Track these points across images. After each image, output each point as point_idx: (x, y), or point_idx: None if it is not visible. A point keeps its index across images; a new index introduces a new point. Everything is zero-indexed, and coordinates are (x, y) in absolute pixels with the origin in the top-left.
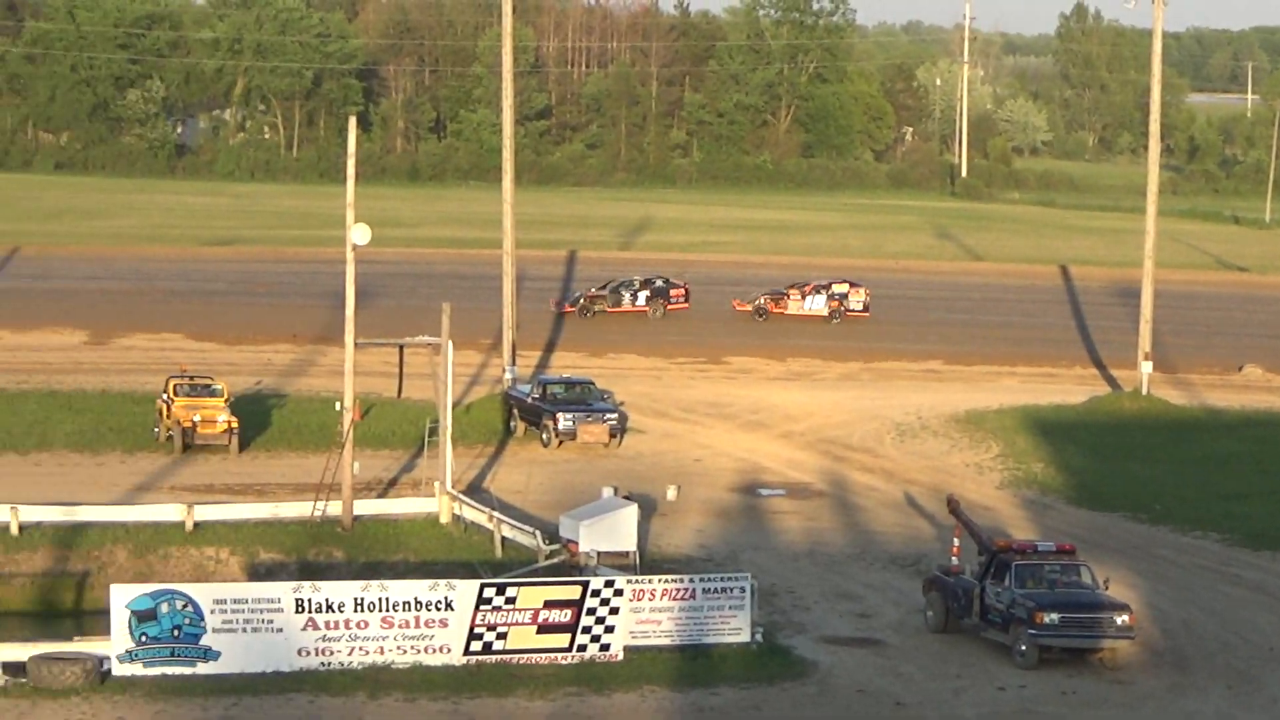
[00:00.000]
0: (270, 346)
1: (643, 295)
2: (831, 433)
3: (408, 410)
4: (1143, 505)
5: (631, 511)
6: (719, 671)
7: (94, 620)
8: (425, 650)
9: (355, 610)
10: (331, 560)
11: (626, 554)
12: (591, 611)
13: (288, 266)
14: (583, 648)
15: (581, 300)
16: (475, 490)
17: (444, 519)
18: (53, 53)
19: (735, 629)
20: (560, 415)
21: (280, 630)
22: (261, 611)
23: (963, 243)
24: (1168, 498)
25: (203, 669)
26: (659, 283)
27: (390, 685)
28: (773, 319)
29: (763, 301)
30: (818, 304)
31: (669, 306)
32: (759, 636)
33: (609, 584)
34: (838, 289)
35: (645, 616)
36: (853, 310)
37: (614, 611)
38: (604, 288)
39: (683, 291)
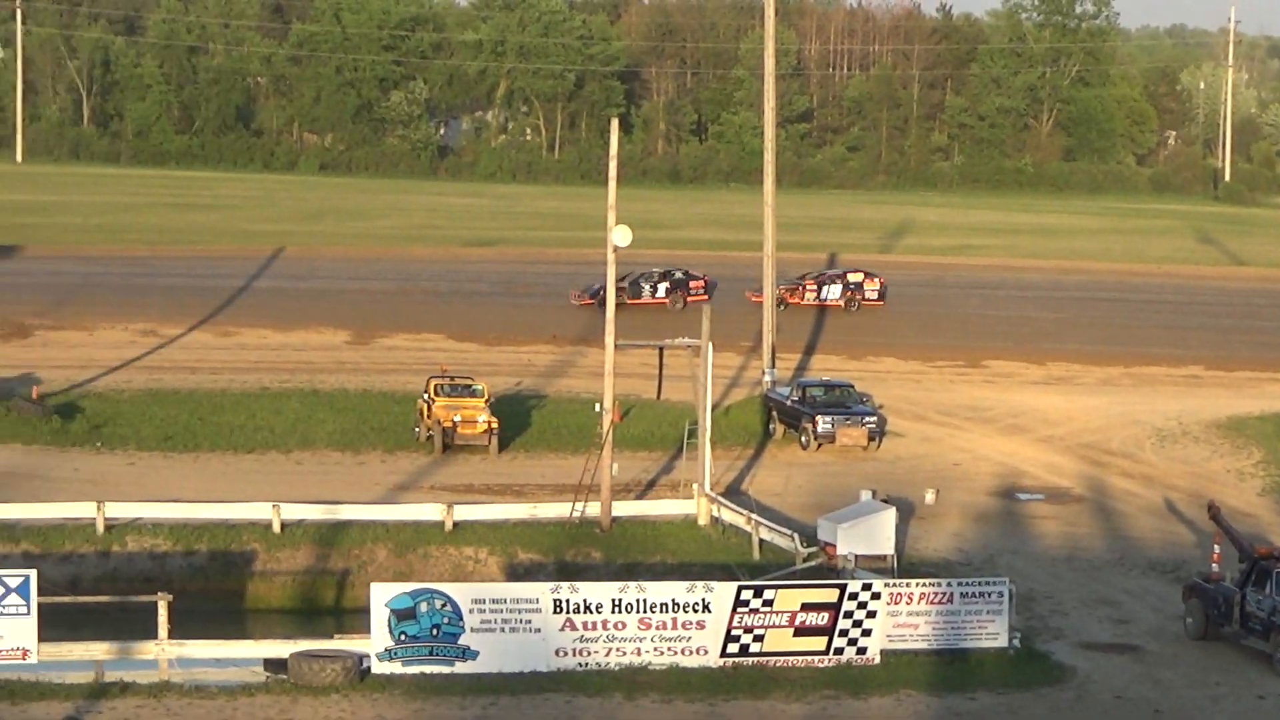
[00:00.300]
0: (530, 347)
1: (662, 287)
2: (1090, 438)
3: (667, 412)
4: None
5: (890, 515)
6: (976, 676)
7: (354, 618)
8: (682, 652)
9: (613, 611)
10: (589, 561)
11: (884, 557)
12: (849, 615)
13: (549, 267)
14: (839, 651)
15: (601, 292)
16: (733, 492)
17: (702, 521)
18: (318, 54)
19: (993, 634)
20: (819, 418)
21: (538, 630)
22: (520, 611)
23: (1225, 248)
24: None
25: (461, 668)
26: (678, 274)
27: (647, 686)
28: (790, 309)
29: (780, 292)
30: (834, 293)
31: (689, 298)
32: (1016, 641)
33: (866, 587)
34: (853, 278)
35: (902, 620)
36: (868, 299)
37: (871, 615)
38: (623, 279)
39: (702, 283)
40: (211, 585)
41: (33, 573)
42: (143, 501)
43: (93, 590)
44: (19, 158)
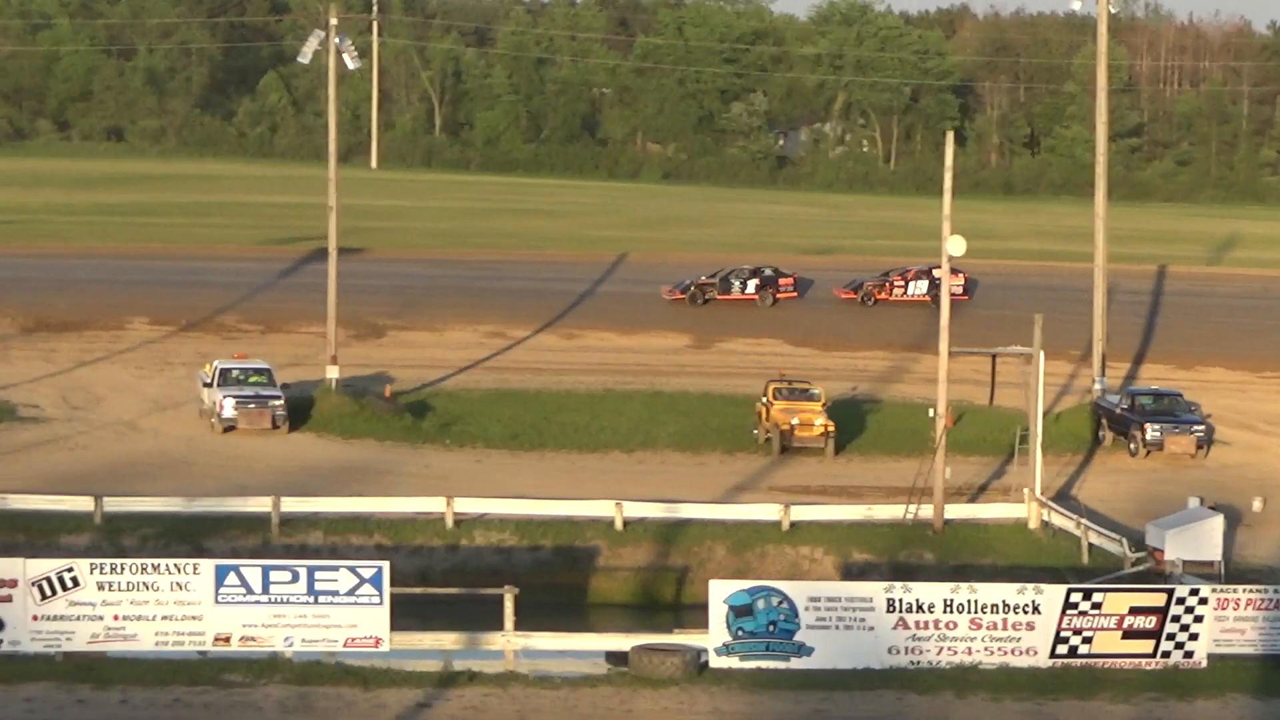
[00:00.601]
0: (865, 353)
1: (752, 283)
2: None
3: (998, 418)
4: None
5: (1217, 521)
6: None
7: (692, 614)
8: (1011, 652)
9: (945, 611)
10: (922, 562)
11: (1211, 563)
12: (1176, 619)
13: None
14: (1166, 654)
15: (692, 288)
16: (1063, 497)
17: (1032, 525)
18: (661, 66)
19: None
20: (1148, 426)
21: (871, 629)
22: (854, 610)
23: None
24: None
25: (795, 664)
26: (768, 272)
27: (977, 685)
28: (878, 304)
29: (868, 288)
30: (920, 288)
31: (778, 295)
32: None
33: (1194, 592)
34: (938, 273)
35: (1229, 625)
36: (953, 293)
37: (1198, 620)
38: (714, 276)
39: (791, 280)
40: (556, 579)
41: (385, 564)
42: (490, 497)
43: (441, 582)
44: (374, 164)
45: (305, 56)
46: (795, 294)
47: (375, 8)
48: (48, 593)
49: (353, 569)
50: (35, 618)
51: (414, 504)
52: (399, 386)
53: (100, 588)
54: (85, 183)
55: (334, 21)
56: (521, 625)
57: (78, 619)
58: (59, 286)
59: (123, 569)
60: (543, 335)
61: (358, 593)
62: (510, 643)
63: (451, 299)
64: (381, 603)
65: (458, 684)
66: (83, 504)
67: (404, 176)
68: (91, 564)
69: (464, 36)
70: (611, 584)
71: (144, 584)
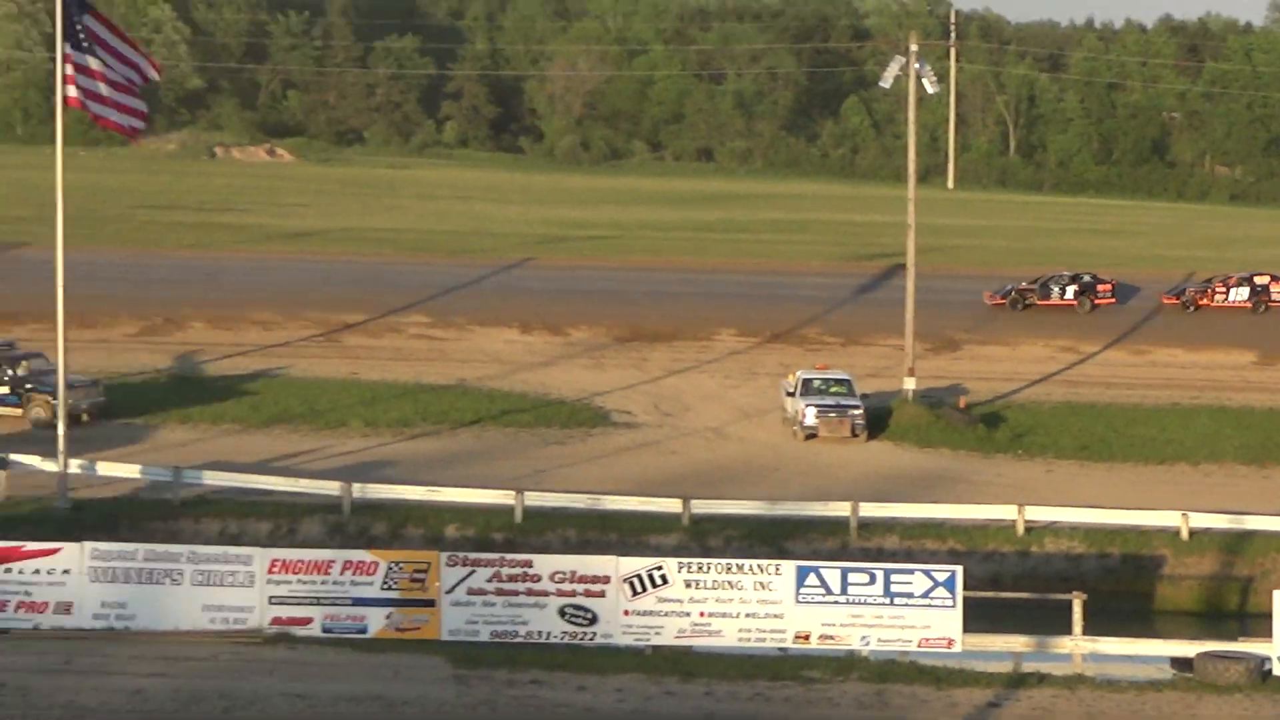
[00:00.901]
0: None
1: (1071, 289)
2: None
3: None
4: None
5: None
6: None
7: (1256, 622)
8: None
9: None
10: None
11: None
12: None
13: None
14: None
15: (1013, 293)
16: None
17: None
18: (1229, 91)
19: None
20: None
21: None
22: None
23: None
24: None
25: None
26: (1087, 278)
27: None
28: (1200, 310)
29: (1191, 294)
30: (1241, 295)
31: (1096, 301)
32: None
33: None
34: (1259, 280)
35: None
36: (1275, 301)
37: None
38: (1034, 281)
39: (1109, 287)
40: (1122, 586)
41: (959, 569)
42: (1059, 506)
43: (1011, 587)
44: (950, 184)
45: (886, 81)
46: (1114, 300)
47: (954, 35)
48: (638, 589)
49: (927, 572)
50: (626, 612)
51: (986, 511)
52: (973, 398)
53: (687, 586)
54: (677, 201)
55: (914, 48)
56: (1088, 630)
57: (665, 615)
58: (652, 298)
59: (709, 568)
60: (1112, 351)
61: (931, 595)
62: (1078, 646)
63: (1021, 314)
64: (954, 605)
65: (1027, 685)
66: (671, 505)
67: (979, 197)
68: (679, 563)
69: (1038, 62)
70: (1176, 592)
71: (728, 583)
